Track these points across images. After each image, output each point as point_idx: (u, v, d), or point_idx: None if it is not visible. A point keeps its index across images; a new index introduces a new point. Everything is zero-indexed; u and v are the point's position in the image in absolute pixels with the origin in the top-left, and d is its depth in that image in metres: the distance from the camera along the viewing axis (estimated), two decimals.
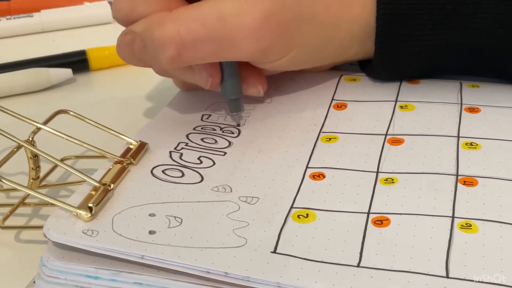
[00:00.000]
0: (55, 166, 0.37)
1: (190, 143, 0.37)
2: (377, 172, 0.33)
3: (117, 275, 0.28)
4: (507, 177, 0.32)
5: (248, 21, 0.35)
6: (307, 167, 0.34)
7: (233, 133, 0.38)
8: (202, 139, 0.37)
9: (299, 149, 0.36)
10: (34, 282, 0.29)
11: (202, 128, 0.38)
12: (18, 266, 0.32)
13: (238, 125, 0.39)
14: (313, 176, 0.33)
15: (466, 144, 0.35)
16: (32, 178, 0.35)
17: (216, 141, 0.37)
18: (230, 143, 0.37)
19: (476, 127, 0.36)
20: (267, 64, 0.39)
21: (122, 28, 0.38)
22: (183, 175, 0.34)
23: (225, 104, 0.40)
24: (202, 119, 0.39)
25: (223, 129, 0.38)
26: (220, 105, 0.41)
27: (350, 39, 0.40)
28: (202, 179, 0.33)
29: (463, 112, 0.38)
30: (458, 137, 0.36)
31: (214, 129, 0.38)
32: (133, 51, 0.37)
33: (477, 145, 0.35)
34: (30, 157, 0.34)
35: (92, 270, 0.28)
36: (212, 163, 0.35)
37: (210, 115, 0.40)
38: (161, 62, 0.36)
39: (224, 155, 0.36)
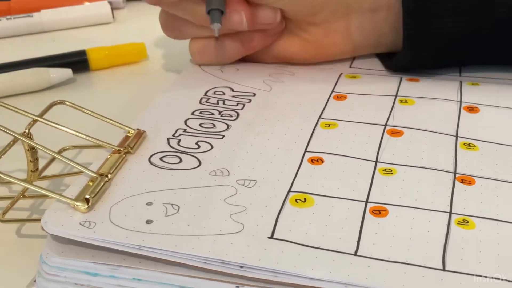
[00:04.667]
0: (54, 157, 0.37)
1: (188, 129, 0.36)
2: (376, 161, 0.33)
3: (115, 271, 0.27)
4: (504, 179, 0.32)
5: None
6: (305, 150, 0.34)
7: (231, 116, 0.37)
8: (200, 124, 0.37)
9: (297, 133, 0.35)
10: (35, 281, 0.29)
11: (200, 113, 0.38)
12: (19, 264, 0.32)
13: (216, 38, 0.41)
14: (312, 160, 0.33)
15: (464, 144, 0.35)
16: (31, 171, 0.35)
17: (214, 125, 0.36)
18: (228, 126, 0.36)
19: (474, 128, 0.36)
20: None
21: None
22: (180, 161, 0.33)
23: (225, 88, 0.40)
24: (200, 102, 0.39)
25: (221, 113, 0.38)
26: (220, 90, 0.41)
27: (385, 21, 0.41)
28: (200, 163, 0.33)
29: (462, 111, 0.38)
30: (457, 136, 0.35)
31: (213, 113, 0.38)
32: None
33: (475, 146, 0.34)
34: (28, 150, 0.34)
35: (91, 266, 0.28)
36: (210, 147, 0.34)
37: (209, 98, 0.40)
38: None
39: (222, 138, 0.35)
